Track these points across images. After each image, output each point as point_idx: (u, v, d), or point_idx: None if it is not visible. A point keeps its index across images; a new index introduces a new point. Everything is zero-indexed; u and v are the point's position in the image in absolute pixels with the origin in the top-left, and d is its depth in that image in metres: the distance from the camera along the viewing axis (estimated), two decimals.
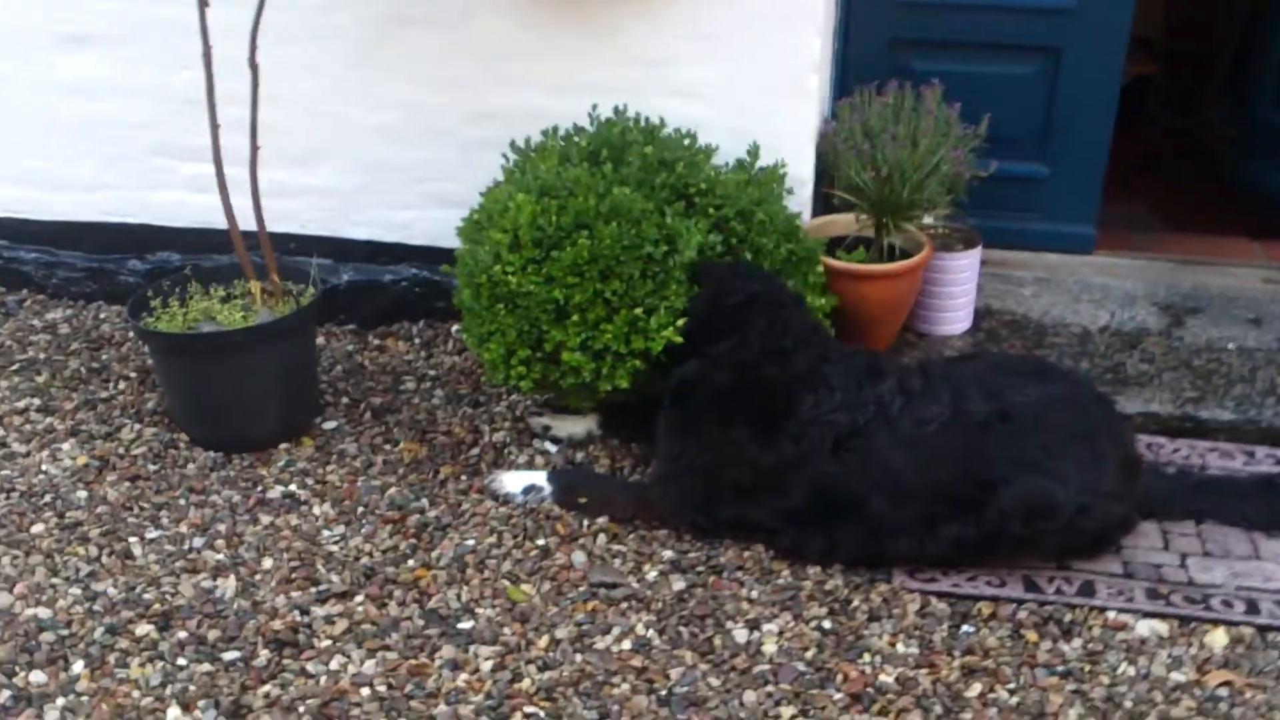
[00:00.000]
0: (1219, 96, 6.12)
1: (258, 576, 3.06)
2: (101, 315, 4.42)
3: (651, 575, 3.03)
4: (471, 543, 3.16)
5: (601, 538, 3.17)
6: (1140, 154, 5.42)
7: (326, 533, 3.22)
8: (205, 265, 4.02)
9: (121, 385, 3.96)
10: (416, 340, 4.21)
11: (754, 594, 2.95)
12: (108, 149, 4.30)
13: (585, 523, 3.23)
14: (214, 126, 3.40)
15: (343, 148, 4.13)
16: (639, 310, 3.13)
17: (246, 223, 3.52)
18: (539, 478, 3.32)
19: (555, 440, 3.58)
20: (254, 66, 3.37)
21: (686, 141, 3.59)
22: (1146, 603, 2.84)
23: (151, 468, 3.52)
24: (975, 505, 2.84)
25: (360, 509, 3.30)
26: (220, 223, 3.50)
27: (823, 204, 3.99)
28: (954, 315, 3.92)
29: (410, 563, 3.09)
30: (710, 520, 3.12)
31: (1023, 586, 2.91)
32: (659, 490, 3.17)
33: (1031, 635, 2.78)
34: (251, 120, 3.42)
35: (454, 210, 3.60)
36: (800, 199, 3.84)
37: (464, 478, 3.44)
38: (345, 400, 3.83)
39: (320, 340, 4.18)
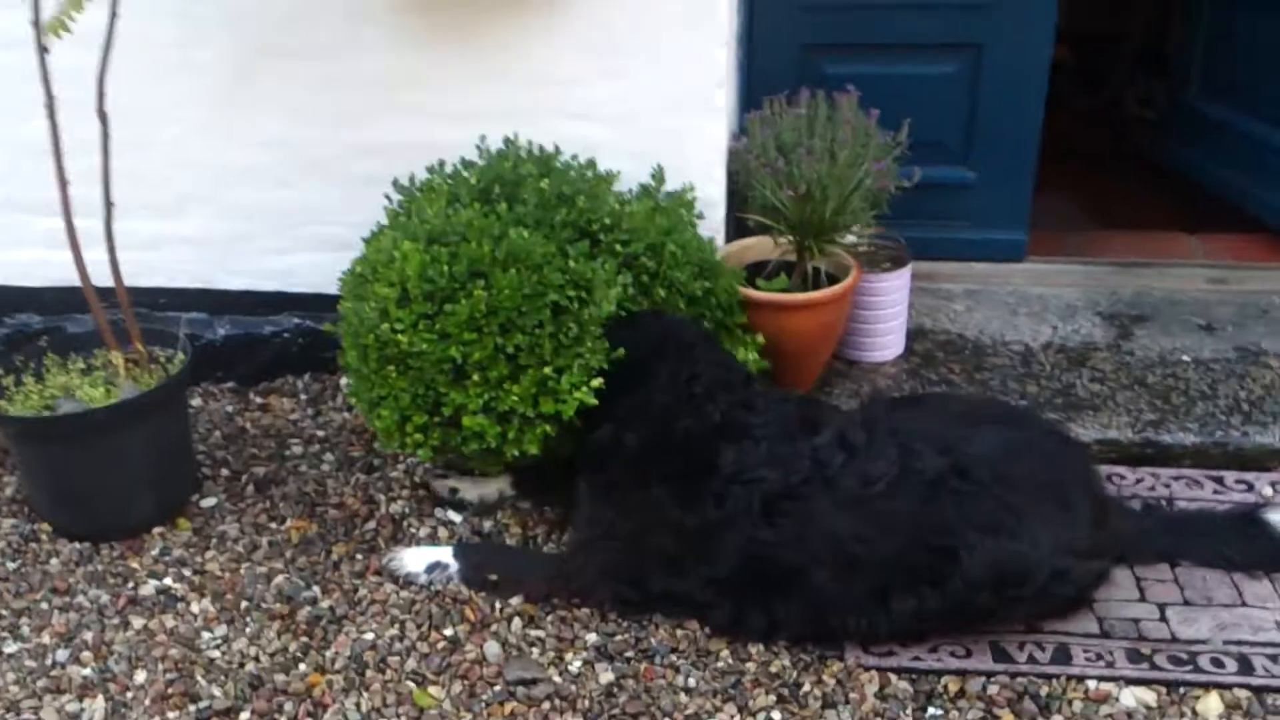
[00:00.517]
0: (1131, 77, 5.97)
1: (129, 694, 2.68)
2: None
3: (575, 665, 2.71)
4: (370, 636, 2.81)
5: (517, 622, 2.84)
6: (1056, 141, 5.19)
7: (207, 634, 2.85)
8: (68, 330, 3.65)
9: None
10: (302, 396, 3.84)
11: (691, 682, 2.64)
12: None
13: (498, 605, 2.90)
14: (61, 182, 2.99)
15: (214, 192, 3.74)
16: (548, 369, 2.80)
17: (109, 281, 3.13)
18: (444, 554, 2.98)
19: (463, 505, 3.24)
20: (102, 116, 2.98)
21: (588, 173, 3.26)
22: (1129, 667, 2.58)
23: (10, 565, 3.12)
24: (934, 576, 2.52)
25: (244, 603, 2.93)
26: (94, 279, 3.11)
27: (735, 228, 3.69)
28: (885, 340, 3.65)
29: (302, 667, 2.74)
30: (637, 593, 2.81)
31: (991, 655, 2.64)
32: (577, 562, 2.85)
33: (1006, 716, 2.50)
34: (103, 172, 3.03)
35: (339, 254, 3.23)
36: (712, 223, 3.53)
37: (359, 557, 3.09)
38: (225, 472, 3.45)
39: (196, 402, 3.80)
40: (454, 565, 2.95)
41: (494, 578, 2.92)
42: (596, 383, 2.82)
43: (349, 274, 3.06)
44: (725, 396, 2.77)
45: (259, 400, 3.84)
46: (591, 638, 2.79)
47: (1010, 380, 3.54)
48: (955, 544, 2.55)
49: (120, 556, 3.13)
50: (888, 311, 3.60)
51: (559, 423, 2.83)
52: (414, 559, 2.98)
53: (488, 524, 3.18)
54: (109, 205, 3.03)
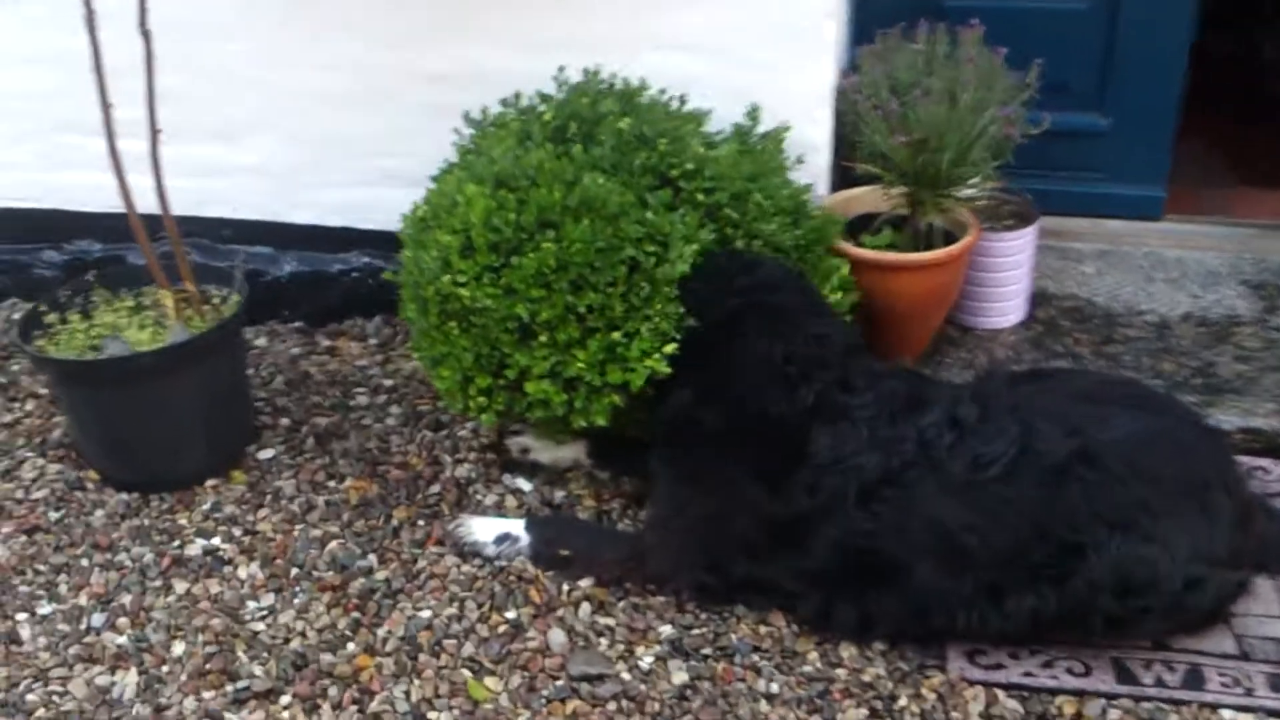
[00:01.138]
0: (1269, 20, 5.42)
1: (165, 668, 2.49)
2: (15, 316, 3.81)
3: (646, 661, 2.46)
4: (427, 615, 2.59)
5: (585, 608, 2.60)
6: (1191, 88, 4.72)
7: (253, 604, 2.65)
8: (128, 260, 3.49)
9: (30, 405, 3.39)
10: (371, 341, 3.61)
11: (774, 688, 2.37)
12: (6, 125, 3.68)
13: (565, 587, 2.65)
14: (104, 104, 2.79)
15: (276, 119, 3.50)
16: (616, 334, 2.52)
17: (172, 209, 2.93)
18: (514, 526, 2.74)
19: (535, 468, 2.99)
20: (145, 34, 2.75)
21: (673, 106, 2.94)
22: (1270, 696, 2.25)
23: (53, 515, 2.95)
24: (1054, 574, 2.24)
25: (295, 570, 2.73)
26: (146, 207, 2.90)
27: (839, 177, 3.35)
28: (1005, 305, 3.30)
29: (350, 646, 2.52)
30: (718, 580, 2.55)
31: (1113, 675, 2.33)
32: (655, 543, 2.59)
33: None
34: (148, 95, 2.81)
35: (411, 190, 2.95)
36: (813, 169, 3.20)
37: (421, 524, 2.86)
38: (285, 421, 3.24)
39: (261, 342, 3.60)
40: (524, 538, 2.71)
41: (565, 554, 2.67)
42: (670, 349, 2.53)
43: (410, 217, 2.80)
44: (821, 374, 2.46)
45: (326, 343, 3.62)
46: (666, 630, 2.53)
47: (1144, 355, 3.17)
48: (1082, 539, 2.24)
49: (169, 510, 2.94)
50: (1009, 274, 3.24)
51: (627, 393, 2.56)
52: (483, 528, 2.74)
53: (559, 494, 2.93)
54: (154, 130, 2.81)
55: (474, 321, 2.60)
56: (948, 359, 3.21)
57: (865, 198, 3.24)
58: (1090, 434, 2.32)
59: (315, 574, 2.72)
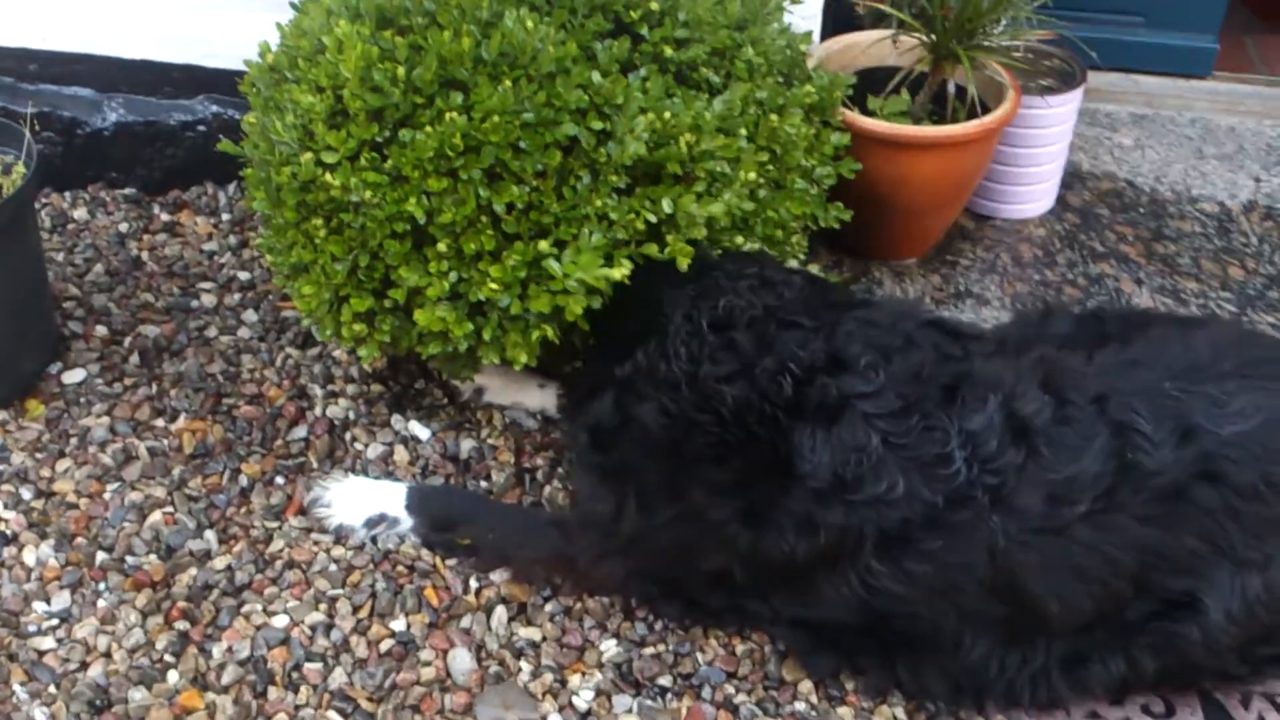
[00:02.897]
0: None
1: None
2: None
3: (584, 697, 1.81)
4: (282, 624, 1.90)
5: (500, 615, 1.92)
6: None
7: (39, 608, 1.93)
8: None
9: None
10: (225, 216, 2.81)
11: None
12: None
13: (474, 582, 1.97)
14: None
15: None
16: (545, 243, 1.78)
17: None
18: (393, 498, 2.03)
19: (435, 408, 2.26)
20: None
21: None
22: None
23: None
24: (1158, 637, 1.67)
25: (101, 555, 2.01)
26: None
27: (831, 20, 2.58)
28: (1035, 190, 2.62)
29: (173, 676, 1.83)
30: (681, 608, 1.90)
31: (1203, 714, 1.74)
32: (592, 551, 1.88)
33: None
34: None
35: (270, 16, 2.14)
36: (808, 6, 2.42)
37: (279, 483, 2.14)
38: (102, 330, 2.45)
39: (79, 214, 2.79)
40: (406, 520, 2.01)
41: (465, 543, 1.97)
42: (620, 272, 1.80)
43: (258, 65, 2.00)
44: (791, 342, 1.70)
45: (165, 218, 2.81)
46: (610, 647, 1.88)
47: (1203, 258, 2.53)
48: (1195, 588, 1.62)
49: None
50: (1045, 150, 2.55)
51: (562, 324, 1.84)
52: (349, 504, 2.04)
53: (467, 444, 2.21)
54: None
55: (347, 221, 1.85)
56: (963, 259, 2.53)
57: (870, 48, 2.48)
58: (1207, 433, 1.63)
59: (129, 561, 2.00)
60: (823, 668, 1.81)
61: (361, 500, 2.03)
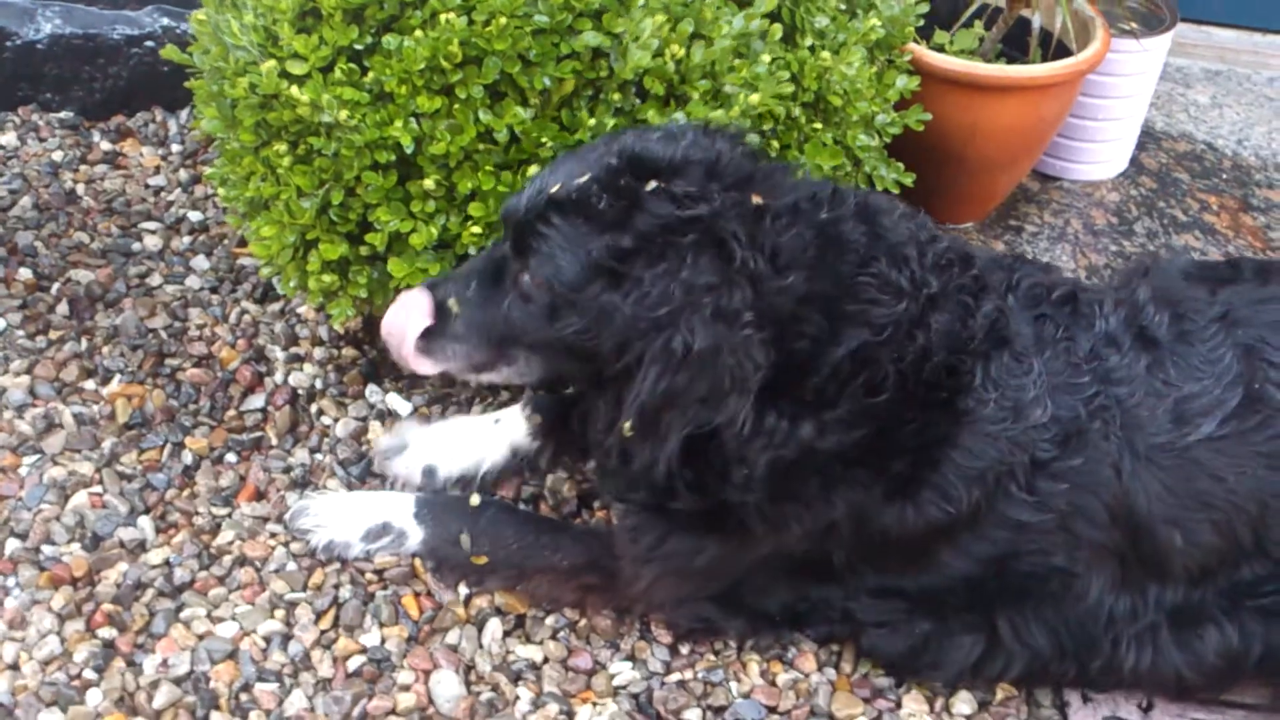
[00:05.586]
0: None
1: None
2: None
3: None
4: (230, 633, 1.58)
5: (493, 628, 1.61)
6: None
7: None
8: None
9: None
10: (174, 147, 2.45)
11: None
12: None
13: (464, 589, 1.64)
14: None
15: None
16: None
17: None
18: (397, 509, 1.68)
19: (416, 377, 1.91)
20: None
21: None
22: None
23: None
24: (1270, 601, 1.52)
25: (14, 544, 1.66)
26: None
27: None
28: (1109, 148, 2.30)
29: (93, 696, 1.49)
30: (732, 613, 1.59)
31: None
32: (640, 560, 1.55)
33: None
34: None
35: None
36: None
37: (230, 461, 1.80)
38: (26, 274, 2.10)
39: (7, 140, 2.41)
40: (415, 533, 1.66)
41: (482, 562, 1.63)
42: None
43: None
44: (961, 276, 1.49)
45: (105, 146, 2.45)
46: (624, 671, 1.56)
47: None
48: None
49: None
50: (1123, 102, 2.23)
51: None
52: (340, 516, 1.69)
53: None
54: None
55: (317, 147, 1.51)
56: (1028, 224, 2.22)
57: None
58: None
59: (46, 551, 1.66)
60: (907, 640, 1.56)
61: (357, 510, 1.68)
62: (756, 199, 1.36)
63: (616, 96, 1.55)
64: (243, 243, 2.13)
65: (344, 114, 1.47)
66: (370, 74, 1.48)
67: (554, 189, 1.35)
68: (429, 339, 1.44)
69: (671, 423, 1.33)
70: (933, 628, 1.56)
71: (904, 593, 1.55)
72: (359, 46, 1.50)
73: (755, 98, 1.60)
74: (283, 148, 1.54)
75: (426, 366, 1.47)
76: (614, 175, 1.35)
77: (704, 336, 1.28)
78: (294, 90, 1.47)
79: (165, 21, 2.47)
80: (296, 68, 1.49)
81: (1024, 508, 1.46)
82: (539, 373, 1.47)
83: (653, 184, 1.34)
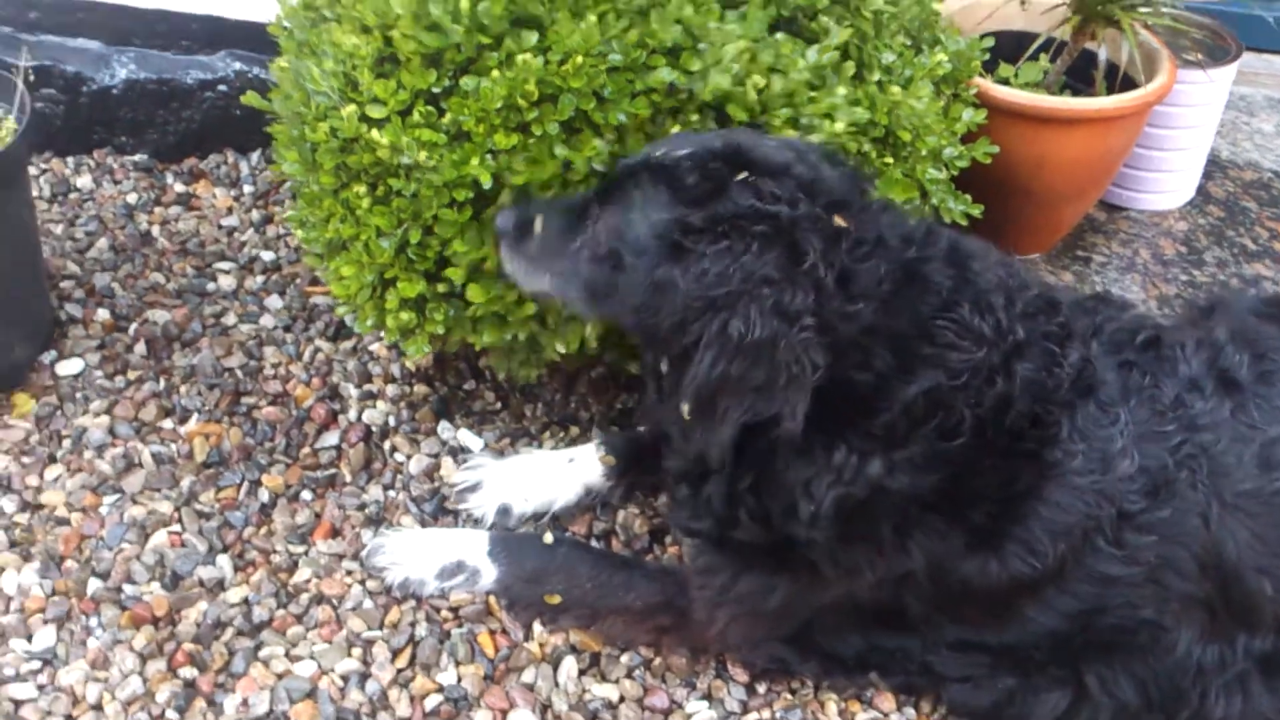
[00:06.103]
0: None
1: None
2: None
3: None
4: (308, 673, 1.59)
5: (569, 666, 1.61)
6: None
7: (19, 647, 1.62)
8: None
9: None
10: (246, 188, 2.49)
11: None
12: None
13: (538, 626, 1.64)
14: None
15: None
16: None
17: None
18: (471, 547, 1.70)
19: (489, 412, 1.93)
20: None
21: None
22: None
23: None
24: None
25: (94, 583, 1.69)
26: None
27: None
28: (1175, 178, 2.29)
29: None
30: (807, 656, 1.58)
31: None
32: (712, 601, 1.55)
33: None
34: None
35: None
36: None
37: (306, 498, 1.82)
38: (104, 315, 2.13)
39: (83, 182, 2.48)
40: (489, 571, 1.67)
41: (557, 600, 1.63)
42: None
43: (293, 5, 1.67)
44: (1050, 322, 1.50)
45: (179, 188, 2.50)
46: (701, 711, 1.56)
47: None
48: None
49: None
50: (1189, 132, 2.22)
51: None
52: (414, 553, 1.70)
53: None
54: None
55: (396, 188, 1.53)
56: (1096, 255, 2.21)
57: (995, 10, 2.14)
58: None
59: (127, 591, 1.68)
60: (992, 695, 1.56)
61: (431, 548, 1.70)
62: (840, 221, 1.36)
63: (695, 118, 1.56)
64: (315, 281, 2.17)
65: (423, 155, 1.49)
66: (447, 115, 1.51)
67: (658, 154, 1.38)
68: (512, 247, 1.47)
69: (728, 408, 1.34)
70: (1017, 683, 1.56)
71: (986, 647, 1.54)
72: (436, 90, 1.52)
73: (839, 125, 1.61)
74: (362, 189, 1.57)
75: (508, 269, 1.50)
76: (710, 157, 1.37)
77: (762, 326, 1.29)
78: (374, 133, 1.50)
79: (238, 66, 2.51)
80: (376, 111, 1.52)
81: (1112, 561, 1.46)
82: (592, 315, 1.52)
83: (744, 175, 1.35)
